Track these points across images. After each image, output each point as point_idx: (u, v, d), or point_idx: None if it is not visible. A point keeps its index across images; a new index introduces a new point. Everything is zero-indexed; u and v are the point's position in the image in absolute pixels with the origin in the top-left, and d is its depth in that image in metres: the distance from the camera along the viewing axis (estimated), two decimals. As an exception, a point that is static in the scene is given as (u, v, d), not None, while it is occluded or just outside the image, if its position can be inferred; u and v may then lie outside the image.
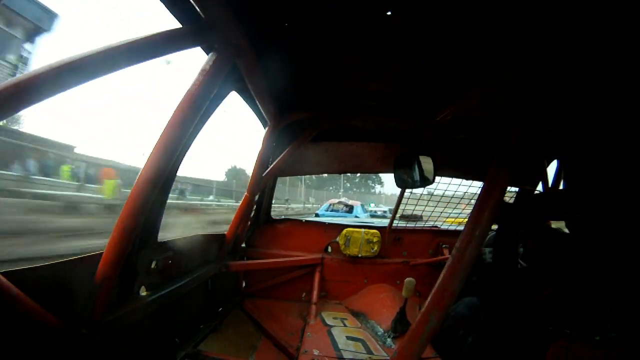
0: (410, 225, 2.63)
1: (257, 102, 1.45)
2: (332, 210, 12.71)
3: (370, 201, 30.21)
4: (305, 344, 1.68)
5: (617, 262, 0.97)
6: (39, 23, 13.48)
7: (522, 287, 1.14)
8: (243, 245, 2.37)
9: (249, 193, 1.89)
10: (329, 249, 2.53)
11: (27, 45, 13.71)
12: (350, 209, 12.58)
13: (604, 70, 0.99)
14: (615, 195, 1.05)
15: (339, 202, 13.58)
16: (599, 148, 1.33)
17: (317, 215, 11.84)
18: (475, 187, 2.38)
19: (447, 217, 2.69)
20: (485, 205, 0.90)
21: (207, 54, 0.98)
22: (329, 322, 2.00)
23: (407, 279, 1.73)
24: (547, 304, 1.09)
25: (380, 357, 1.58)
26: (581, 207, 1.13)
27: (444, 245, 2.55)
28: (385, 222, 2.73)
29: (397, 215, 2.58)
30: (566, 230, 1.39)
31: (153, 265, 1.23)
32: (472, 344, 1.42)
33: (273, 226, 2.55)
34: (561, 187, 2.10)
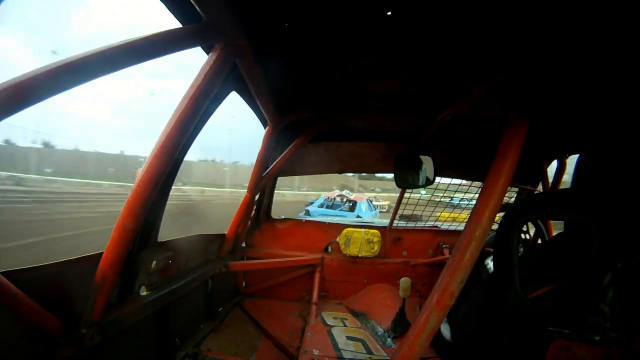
0: (411, 225, 2.63)
1: (257, 102, 1.45)
2: (327, 207, 10.51)
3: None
4: (306, 344, 1.68)
5: (617, 262, 0.97)
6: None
7: (518, 287, 1.14)
8: (243, 245, 2.37)
9: (249, 193, 1.89)
10: (329, 249, 2.54)
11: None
12: (352, 205, 10.20)
13: (607, 70, 0.99)
14: (615, 195, 1.05)
15: (340, 195, 11.03)
16: (599, 148, 1.33)
17: (307, 212, 10.06)
18: (475, 187, 2.39)
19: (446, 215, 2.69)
20: (485, 205, 0.90)
21: (207, 54, 0.98)
22: (329, 322, 2.00)
23: (402, 279, 1.73)
24: (544, 304, 1.09)
25: (380, 357, 1.58)
26: (581, 207, 1.13)
27: (444, 245, 2.55)
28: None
29: (397, 215, 2.58)
30: (565, 230, 1.40)
31: (153, 265, 1.23)
32: (470, 343, 1.42)
33: (273, 226, 2.55)
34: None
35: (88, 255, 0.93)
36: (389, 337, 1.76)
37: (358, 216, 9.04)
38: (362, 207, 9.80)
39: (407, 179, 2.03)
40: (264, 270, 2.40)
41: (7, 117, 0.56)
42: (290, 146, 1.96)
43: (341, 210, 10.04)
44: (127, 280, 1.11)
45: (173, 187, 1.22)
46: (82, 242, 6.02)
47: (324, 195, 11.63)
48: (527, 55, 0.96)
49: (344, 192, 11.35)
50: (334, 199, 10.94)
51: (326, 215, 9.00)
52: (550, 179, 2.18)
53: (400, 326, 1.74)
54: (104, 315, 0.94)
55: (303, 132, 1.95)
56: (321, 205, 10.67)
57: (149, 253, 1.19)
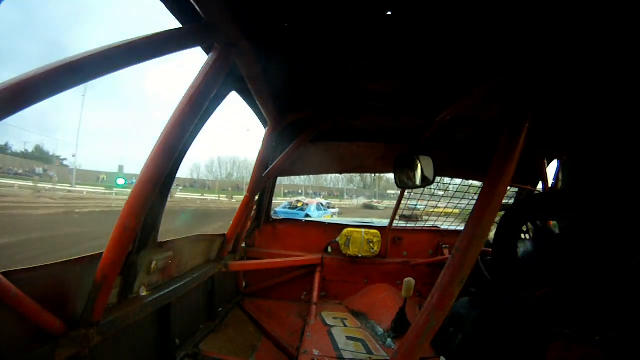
0: (411, 225, 2.63)
1: (257, 102, 1.46)
2: (290, 208, 13.83)
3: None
4: (305, 344, 1.68)
5: (617, 262, 0.97)
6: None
7: (518, 287, 1.14)
8: (243, 245, 2.37)
9: (249, 193, 1.89)
10: (329, 249, 2.53)
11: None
12: (304, 207, 13.67)
13: (606, 70, 0.99)
14: (615, 195, 1.05)
15: (297, 200, 15.04)
16: (599, 148, 1.33)
17: (275, 212, 12.61)
18: (475, 186, 2.39)
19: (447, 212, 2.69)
20: (485, 205, 0.90)
21: (207, 54, 0.98)
22: (329, 322, 2.00)
23: (406, 279, 1.73)
24: (544, 304, 1.09)
25: (380, 357, 1.58)
26: (581, 207, 1.13)
27: (444, 245, 2.55)
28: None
29: (397, 215, 2.58)
30: (565, 230, 1.39)
31: (153, 265, 1.23)
32: (466, 342, 1.42)
33: (273, 226, 2.55)
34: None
35: (88, 255, 0.93)
36: (389, 337, 1.76)
37: (307, 215, 11.69)
38: (312, 208, 13.45)
39: (406, 179, 2.03)
40: (264, 270, 2.40)
41: (7, 117, 0.56)
42: (290, 146, 1.96)
43: (298, 210, 13.20)
44: (127, 280, 1.11)
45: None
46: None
47: (287, 200, 15.43)
48: (527, 55, 0.96)
49: (300, 198, 15.83)
50: (295, 202, 14.54)
51: (286, 213, 11.71)
52: (550, 179, 2.18)
53: (400, 326, 1.74)
54: (104, 315, 0.94)
55: (303, 132, 1.95)
56: (285, 207, 14.20)
57: (149, 253, 1.19)
